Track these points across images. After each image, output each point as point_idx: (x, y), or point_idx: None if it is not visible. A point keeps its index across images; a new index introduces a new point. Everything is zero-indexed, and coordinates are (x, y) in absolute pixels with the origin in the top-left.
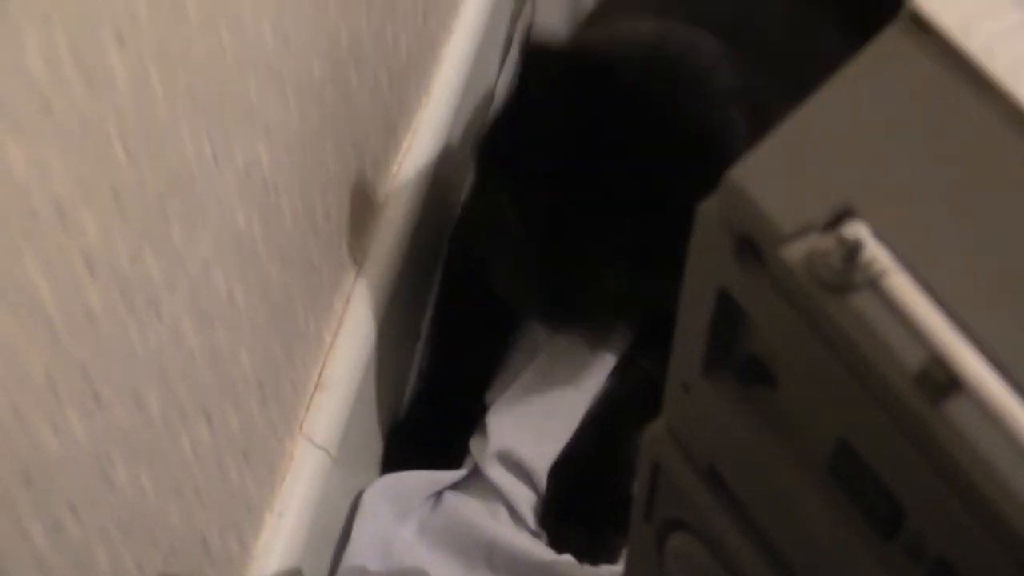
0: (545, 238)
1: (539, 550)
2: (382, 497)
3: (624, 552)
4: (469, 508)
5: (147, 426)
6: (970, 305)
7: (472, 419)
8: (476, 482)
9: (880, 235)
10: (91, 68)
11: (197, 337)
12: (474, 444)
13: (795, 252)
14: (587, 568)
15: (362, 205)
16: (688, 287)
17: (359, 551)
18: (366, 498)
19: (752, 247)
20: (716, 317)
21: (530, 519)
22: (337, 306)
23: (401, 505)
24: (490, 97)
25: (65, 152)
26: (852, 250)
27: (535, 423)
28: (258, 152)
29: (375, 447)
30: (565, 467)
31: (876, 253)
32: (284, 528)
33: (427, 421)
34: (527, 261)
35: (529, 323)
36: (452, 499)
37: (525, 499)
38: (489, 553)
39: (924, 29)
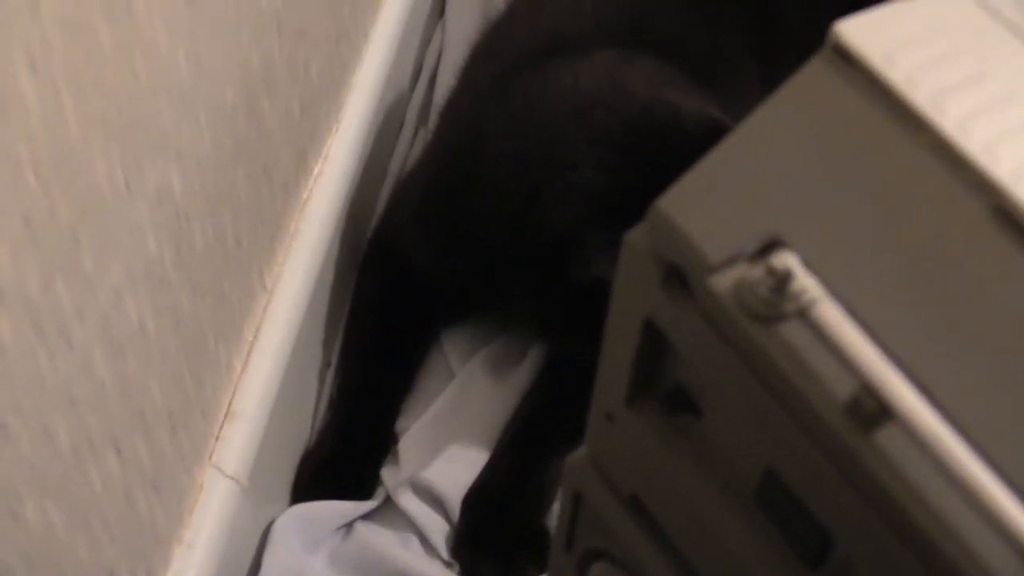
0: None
1: None
2: (293, 527)
3: None
4: (380, 538)
5: (56, 459)
6: (899, 334)
7: (383, 449)
8: (388, 512)
9: (808, 265)
10: (2, 94)
11: (107, 367)
12: (386, 473)
13: (723, 282)
14: None
15: (273, 232)
16: (613, 316)
17: None
18: (276, 528)
19: (679, 277)
20: (641, 346)
21: (443, 549)
22: (247, 334)
23: (312, 535)
24: (400, 123)
25: None
26: (781, 280)
27: (448, 450)
28: (170, 178)
29: (286, 476)
30: (478, 497)
31: (805, 283)
32: (193, 560)
33: (337, 452)
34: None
35: (440, 350)
36: (363, 529)
37: (437, 529)
38: None
39: (847, 60)
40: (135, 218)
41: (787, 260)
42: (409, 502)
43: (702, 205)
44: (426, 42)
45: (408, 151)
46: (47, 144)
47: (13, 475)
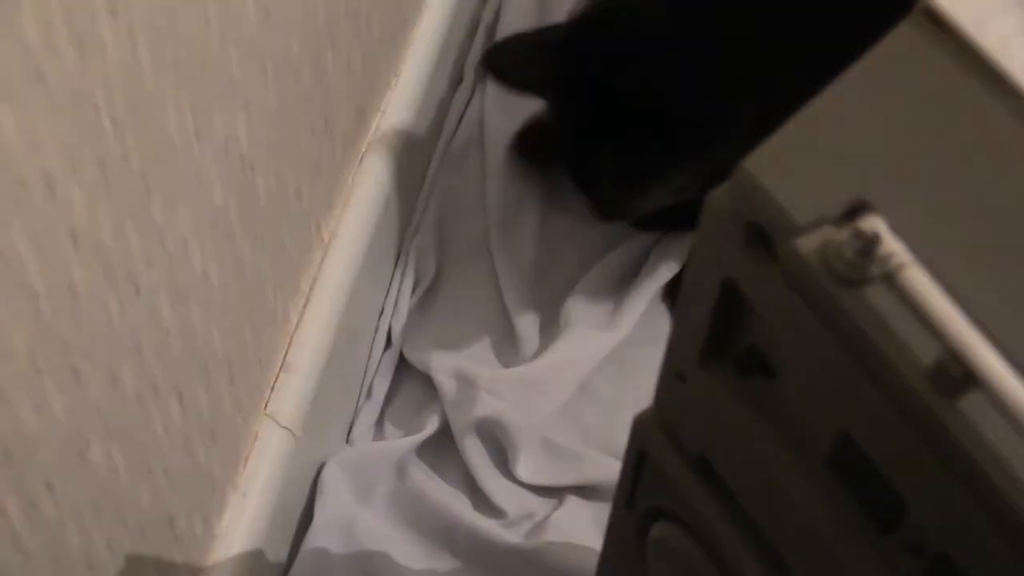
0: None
1: (502, 534)
2: (342, 474)
3: None
4: (433, 488)
5: (121, 403)
6: (986, 301)
7: None
8: (443, 450)
9: (895, 229)
10: (83, 38)
11: (173, 314)
12: (453, 411)
13: (809, 244)
14: (551, 549)
15: (331, 185)
16: (691, 276)
17: (321, 533)
18: (326, 475)
19: (763, 237)
20: (718, 307)
21: (493, 498)
22: (304, 286)
23: (362, 480)
24: (459, 78)
25: (55, 121)
26: (869, 243)
27: (531, 396)
28: (237, 128)
29: (338, 428)
30: None
31: (893, 247)
32: (247, 508)
33: None
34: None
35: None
36: (417, 475)
37: (491, 480)
38: (451, 537)
39: (938, 24)
40: (203, 166)
41: (875, 223)
42: (471, 447)
43: (788, 166)
44: None
45: (464, 107)
46: (123, 89)
47: (82, 418)
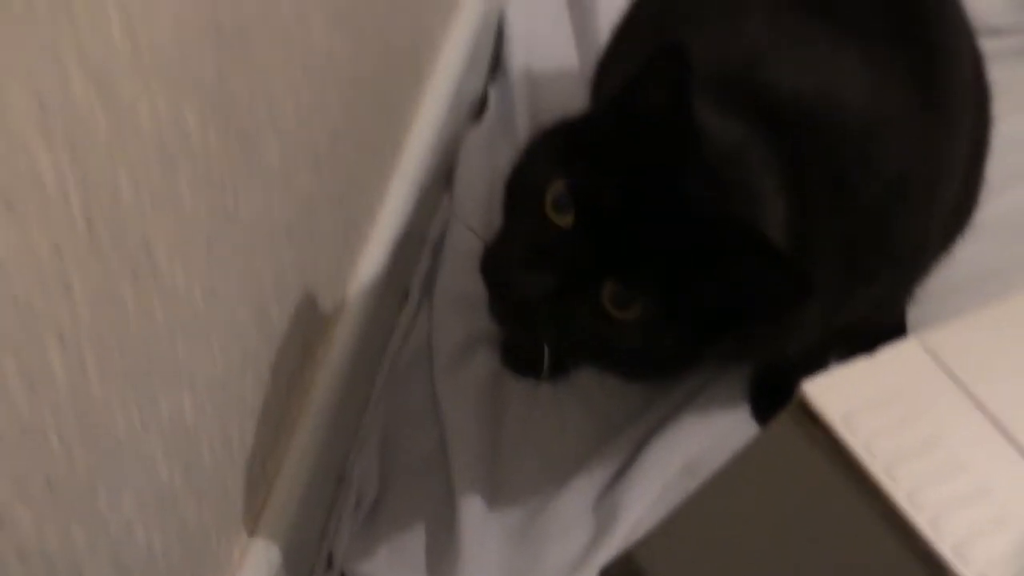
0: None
1: None
2: None
3: None
4: None
5: None
6: None
7: None
8: None
9: None
10: (32, 374)
11: None
12: None
13: None
14: None
15: (276, 423)
16: None
17: None
18: None
19: None
20: None
21: None
22: (248, 524)
23: None
24: (404, 294)
25: (3, 457)
26: None
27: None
28: (182, 404)
29: None
30: None
31: None
32: None
33: None
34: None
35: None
36: None
37: None
38: None
39: (812, 419)
40: (148, 451)
41: None
42: None
43: (672, 554)
44: (431, 213)
45: (411, 322)
46: (70, 407)
47: None
